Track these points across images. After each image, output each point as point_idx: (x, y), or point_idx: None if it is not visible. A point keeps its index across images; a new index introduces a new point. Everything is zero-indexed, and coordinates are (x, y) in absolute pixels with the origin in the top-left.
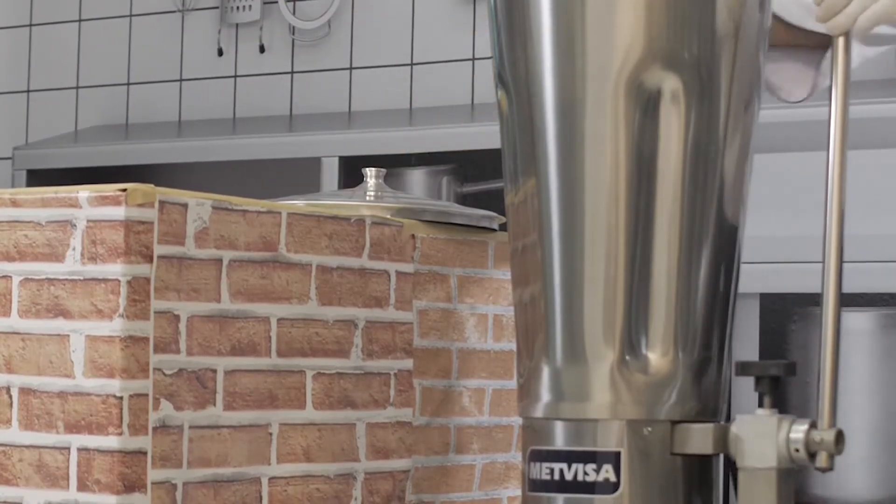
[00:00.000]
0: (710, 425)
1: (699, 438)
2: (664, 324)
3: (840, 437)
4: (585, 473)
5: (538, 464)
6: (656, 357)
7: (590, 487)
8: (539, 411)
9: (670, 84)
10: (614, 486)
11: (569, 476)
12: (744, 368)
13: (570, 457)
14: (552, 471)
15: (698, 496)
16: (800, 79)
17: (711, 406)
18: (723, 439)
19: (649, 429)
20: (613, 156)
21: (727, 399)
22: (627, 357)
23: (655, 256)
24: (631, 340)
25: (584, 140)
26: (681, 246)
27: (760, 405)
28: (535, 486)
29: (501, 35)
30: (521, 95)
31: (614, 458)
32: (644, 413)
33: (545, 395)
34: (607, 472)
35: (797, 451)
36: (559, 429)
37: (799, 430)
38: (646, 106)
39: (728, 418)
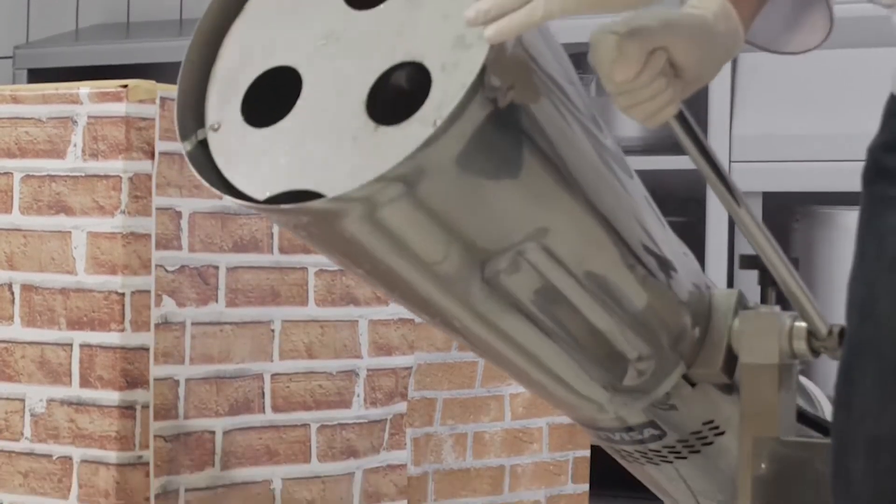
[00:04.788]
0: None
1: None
2: (629, 349)
3: (842, 334)
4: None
5: None
6: (641, 374)
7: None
8: None
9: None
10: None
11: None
12: (747, 262)
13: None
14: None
15: None
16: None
17: (698, 322)
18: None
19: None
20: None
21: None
22: (616, 391)
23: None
24: (611, 383)
25: None
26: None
27: (763, 300)
28: None
29: None
30: None
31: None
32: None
33: None
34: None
35: (800, 349)
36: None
37: (801, 327)
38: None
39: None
